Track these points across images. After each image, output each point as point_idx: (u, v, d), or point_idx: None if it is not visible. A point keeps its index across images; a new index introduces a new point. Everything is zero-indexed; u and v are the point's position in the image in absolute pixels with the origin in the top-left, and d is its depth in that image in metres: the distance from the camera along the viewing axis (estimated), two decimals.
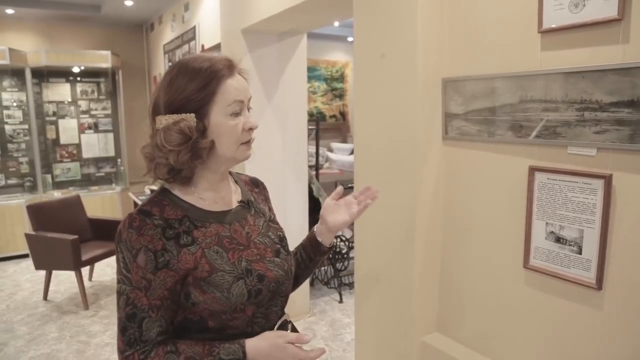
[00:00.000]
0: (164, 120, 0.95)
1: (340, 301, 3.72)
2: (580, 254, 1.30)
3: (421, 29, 1.58)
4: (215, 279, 0.95)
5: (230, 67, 0.97)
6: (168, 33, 5.38)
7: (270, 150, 3.18)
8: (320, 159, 5.68)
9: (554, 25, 1.30)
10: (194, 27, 4.28)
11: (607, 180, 1.22)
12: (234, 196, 1.11)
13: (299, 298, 3.46)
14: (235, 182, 1.16)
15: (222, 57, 0.99)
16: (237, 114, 0.98)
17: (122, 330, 0.92)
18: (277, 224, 1.20)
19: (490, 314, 1.59)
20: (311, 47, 5.87)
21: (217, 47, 3.53)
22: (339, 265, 3.96)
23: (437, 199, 1.71)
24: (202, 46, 3.88)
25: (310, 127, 4.47)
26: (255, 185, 1.23)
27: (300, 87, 3.30)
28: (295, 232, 3.39)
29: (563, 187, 1.32)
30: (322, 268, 4.15)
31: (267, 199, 1.24)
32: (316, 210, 3.74)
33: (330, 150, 6.94)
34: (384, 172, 1.79)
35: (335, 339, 3.18)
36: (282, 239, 1.14)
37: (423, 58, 1.60)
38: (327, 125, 7.36)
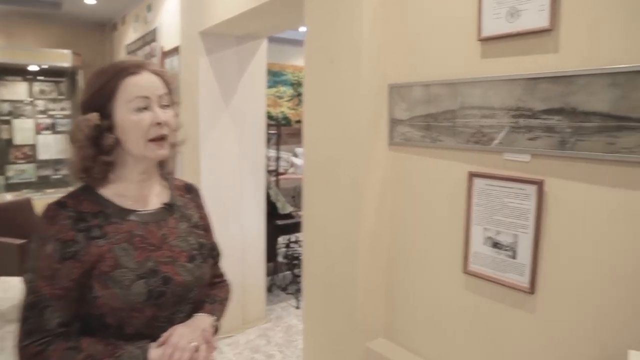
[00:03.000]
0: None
1: (298, 307, 3.69)
2: (515, 258, 1.32)
3: (367, 35, 1.59)
4: (117, 275, 0.94)
5: (137, 66, 0.99)
6: (131, 34, 5.28)
7: (227, 155, 3.14)
8: (285, 164, 5.66)
9: (492, 34, 1.32)
10: (155, 29, 4.20)
11: (540, 186, 1.24)
12: (157, 197, 1.09)
13: (254, 304, 3.42)
14: (167, 185, 1.14)
15: (137, 58, 1.02)
16: (141, 110, 0.98)
17: (23, 320, 0.91)
18: (206, 231, 1.19)
19: (433, 319, 1.60)
20: (278, 52, 5.85)
21: (176, 49, 3.48)
22: (297, 271, 3.94)
23: (383, 204, 1.72)
24: (162, 48, 3.82)
25: (272, 131, 4.45)
26: (188, 191, 1.21)
27: (259, 92, 3.28)
28: (252, 236, 3.35)
29: (500, 193, 1.34)
30: (281, 274, 4.12)
31: (199, 206, 1.21)
32: (273, 215, 3.71)
33: (295, 155, 6.92)
34: (331, 177, 1.79)
35: (289, 345, 3.15)
36: (203, 246, 1.12)
37: (369, 64, 1.60)
38: (293, 130, 7.33)
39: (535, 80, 1.22)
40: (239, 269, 3.29)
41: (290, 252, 4.13)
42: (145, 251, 0.99)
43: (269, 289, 3.99)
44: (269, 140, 4.38)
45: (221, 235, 3.11)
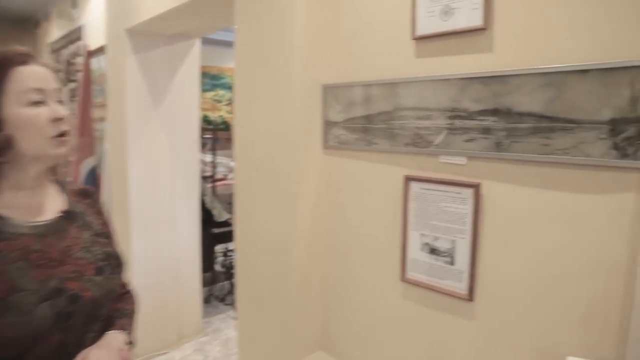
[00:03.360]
0: None
1: (236, 318, 3.54)
2: (453, 265, 1.28)
3: (299, 34, 1.51)
4: (14, 300, 0.80)
5: (24, 55, 0.88)
6: (55, 32, 4.94)
7: (157, 161, 2.96)
8: (223, 169, 5.49)
9: (426, 33, 1.28)
10: (81, 27, 3.94)
11: (477, 189, 1.20)
12: (53, 205, 0.95)
13: (190, 317, 3.25)
14: (62, 191, 1.00)
15: (18, 47, 0.89)
16: (37, 103, 0.86)
17: None
18: (109, 238, 1.06)
19: (371, 329, 1.53)
20: (217, 55, 5.66)
21: (102, 48, 3.26)
22: (235, 281, 3.79)
23: (318, 211, 1.64)
24: (87, 47, 3.57)
25: (208, 136, 4.29)
26: (86, 195, 1.07)
27: (192, 95, 3.13)
28: (186, 246, 3.18)
29: (436, 197, 1.29)
30: (219, 284, 3.96)
31: (99, 212, 1.08)
32: (210, 223, 3.56)
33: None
34: (263, 183, 1.69)
35: (227, 359, 3.01)
36: (109, 256, 0.99)
37: (301, 63, 1.52)
38: (232, 135, 7.14)
39: (470, 80, 1.18)
40: (172, 281, 3.12)
41: (227, 261, 3.98)
42: (46, 268, 0.86)
43: (207, 300, 3.81)
44: (205, 145, 4.22)
45: (152, 245, 2.98)
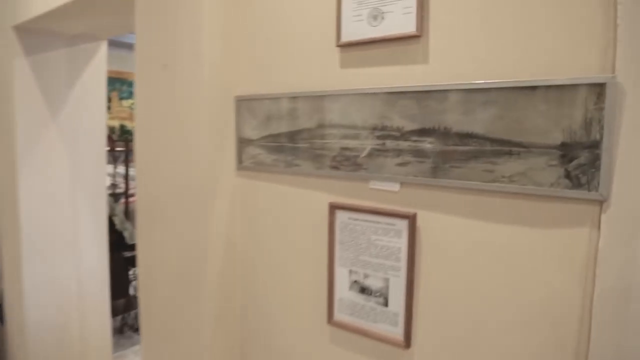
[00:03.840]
0: None
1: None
2: (387, 306, 1.11)
3: (208, 38, 1.30)
4: None
5: None
6: None
7: (55, 178, 2.60)
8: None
9: (353, 39, 1.11)
10: None
11: (412, 220, 1.04)
12: None
13: (98, 352, 2.89)
14: None
15: None
16: None
17: None
18: None
19: None
20: (131, 61, 5.25)
21: None
22: None
23: (232, 240, 1.42)
24: None
25: (120, 149, 3.93)
26: None
27: (97, 102, 2.79)
28: (92, 273, 2.83)
29: (366, 229, 1.12)
30: (133, 311, 3.60)
31: None
32: (120, 246, 3.22)
33: None
34: (170, 208, 1.45)
35: None
36: None
37: (210, 71, 1.31)
38: None
39: (403, 95, 1.02)
40: (74, 312, 2.75)
41: None
42: None
43: (120, 330, 3.45)
44: (117, 158, 3.85)
45: (50, 275, 2.60)
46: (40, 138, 2.53)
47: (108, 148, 3.56)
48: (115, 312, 3.08)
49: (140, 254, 1.59)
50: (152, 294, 1.57)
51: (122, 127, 4.86)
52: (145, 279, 1.59)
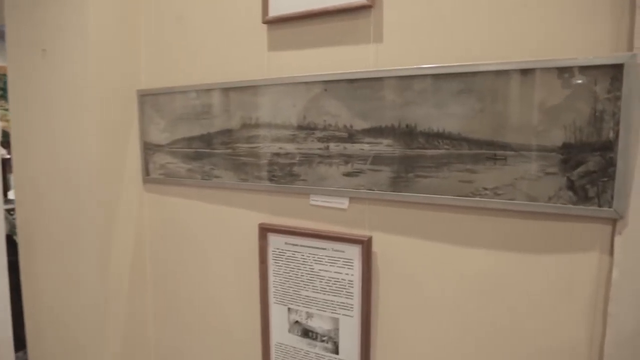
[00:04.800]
0: None
1: None
2: (337, 353, 0.87)
3: (96, 16, 1.00)
4: None
5: None
6: None
7: None
8: None
9: (284, 13, 0.86)
10: None
11: (366, 245, 0.81)
12: None
13: None
14: None
15: None
16: None
17: None
18: None
19: None
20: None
21: None
22: None
23: (141, 272, 1.13)
24: None
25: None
26: None
27: None
28: None
29: (307, 257, 0.87)
30: None
31: None
32: None
33: None
34: (59, 231, 1.13)
35: None
36: None
37: (101, 57, 1.01)
38: None
39: (350, 83, 0.78)
40: None
41: None
42: None
43: (21, 347, 3.00)
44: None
45: None
46: None
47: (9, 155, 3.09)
48: (21, 344, 2.65)
49: (26, 288, 1.26)
50: (44, 340, 1.25)
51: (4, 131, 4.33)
52: (34, 320, 1.27)
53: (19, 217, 1.24)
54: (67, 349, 1.18)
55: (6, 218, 2.53)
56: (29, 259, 1.23)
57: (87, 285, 1.09)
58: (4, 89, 4.45)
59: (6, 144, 3.55)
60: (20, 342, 2.59)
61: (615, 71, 0.60)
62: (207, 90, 0.96)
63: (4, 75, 4.38)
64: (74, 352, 1.16)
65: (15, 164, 1.22)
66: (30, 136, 1.16)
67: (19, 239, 1.25)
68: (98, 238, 1.05)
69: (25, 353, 3.08)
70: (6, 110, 4.44)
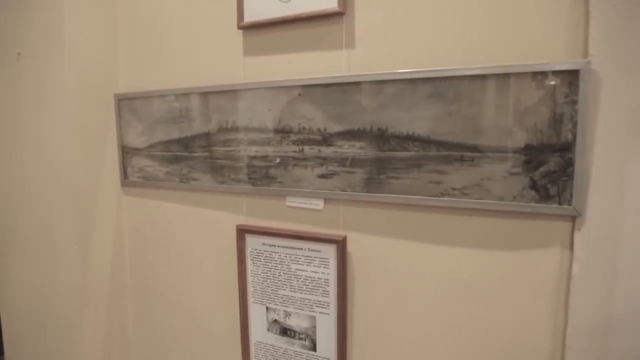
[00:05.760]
0: None
1: None
2: (315, 350, 0.89)
3: (73, 19, 1.00)
4: None
5: None
6: None
7: None
8: None
9: (258, 19, 0.87)
10: None
11: (341, 245, 0.83)
12: None
13: None
14: None
15: None
16: None
17: None
18: None
19: None
20: None
21: None
22: None
23: (120, 275, 1.14)
24: None
25: None
26: None
27: None
28: None
29: (284, 257, 0.89)
30: None
31: None
32: None
33: None
34: (36, 237, 1.13)
35: None
36: None
37: (77, 61, 1.01)
38: None
39: (324, 88, 0.81)
40: None
41: None
42: None
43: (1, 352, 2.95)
44: None
45: None
46: None
47: None
48: None
49: (1, 295, 1.25)
50: (20, 347, 1.24)
51: None
52: (11, 329, 1.26)
53: None
54: (45, 355, 1.18)
55: None
56: (4, 264, 1.23)
57: (64, 289, 1.09)
58: None
59: None
60: None
61: (572, 77, 0.63)
62: (184, 94, 0.97)
63: None
64: (52, 359, 1.16)
65: None
66: (5, 139, 1.15)
67: None
68: (76, 241, 1.05)
69: None
70: None
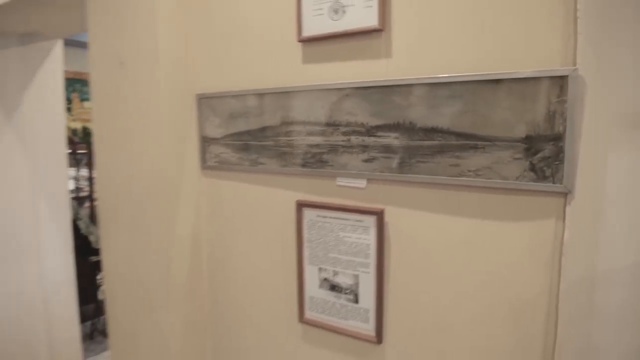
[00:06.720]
0: None
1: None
2: (357, 303, 1.10)
3: (165, 33, 1.25)
4: None
5: None
6: None
7: (13, 180, 2.50)
8: None
9: (314, 34, 1.08)
10: None
11: (379, 216, 1.03)
12: None
13: (66, 358, 2.80)
14: None
15: None
16: None
17: None
18: None
19: None
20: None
21: None
22: None
23: (198, 241, 1.39)
24: None
25: (82, 151, 3.81)
26: None
27: (55, 105, 2.68)
28: (57, 279, 2.74)
29: (334, 226, 1.10)
30: (102, 316, 3.51)
31: None
32: (86, 250, 3.12)
33: None
34: (132, 210, 1.40)
35: None
36: None
37: (169, 68, 1.26)
38: None
39: (366, 90, 1.00)
40: (40, 319, 2.66)
41: None
42: None
43: (90, 336, 3.37)
44: (79, 161, 3.74)
45: (11, 282, 2.50)
46: None
47: (70, 150, 3.45)
48: (84, 317, 2.99)
49: (105, 258, 1.54)
50: (119, 300, 1.52)
51: (85, 129, 4.71)
52: (111, 285, 1.54)
53: (100, 200, 1.51)
54: (138, 307, 1.45)
55: (72, 206, 2.86)
56: (107, 235, 1.51)
57: (154, 252, 1.36)
58: (84, 92, 4.82)
59: (78, 141, 3.91)
60: (83, 316, 2.95)
61: (562, 81, 0.80)
62: (253, 94, 1.19)
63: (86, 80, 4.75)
64: (144, 309, 1.43)
65: (97, 155, 1.49)
66: (109, 132, 1.43)
67: (100, 218, 1.53)
68: (165, 214, 1.31)
69: (94, 323, 3.46)
70: (87, 109, 4.83)
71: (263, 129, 1.19)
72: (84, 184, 3.75)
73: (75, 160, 3.66)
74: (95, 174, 1.53)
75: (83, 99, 4.98)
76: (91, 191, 3.65)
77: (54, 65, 2.67)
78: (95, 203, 3.69)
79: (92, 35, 1.44)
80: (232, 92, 1.24)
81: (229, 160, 1.28)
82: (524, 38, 0.84)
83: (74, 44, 2.95)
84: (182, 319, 1.37)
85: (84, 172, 3.77)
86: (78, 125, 4.70)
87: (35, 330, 2.65)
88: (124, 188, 1.41)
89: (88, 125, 4.69)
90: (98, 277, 3.44)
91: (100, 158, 1.48)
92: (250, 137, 1.22)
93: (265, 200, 1.24)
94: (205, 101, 1.31)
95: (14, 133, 2.50)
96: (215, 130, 1.30)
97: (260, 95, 1.18)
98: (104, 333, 3.44)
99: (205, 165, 1.35)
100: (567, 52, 0.81)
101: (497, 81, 0.86)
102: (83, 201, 3.60)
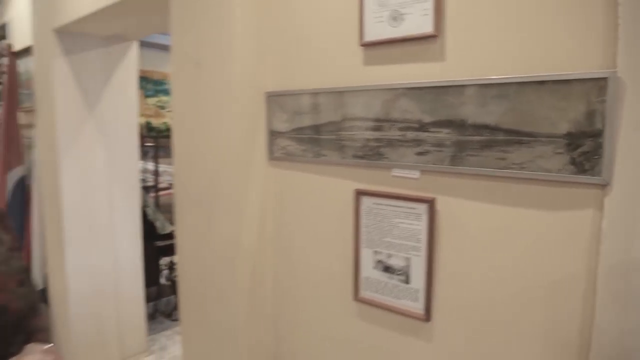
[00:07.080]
0: None
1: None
2: (409, 283, 1.21)
3: (239, 38, 1.40)
4: None
5: None
6: None
7: (92, 169, 2.76)
8: (168, 178, 5.27)
9: (375, 39, 1.20)
10: (5, 25, 3.64)
11: (431, 204, 1.14)
12: None
13: (133, 335, 3.06)
14: None
15: None
16: None
17: None
18: (20, 252, 1.12)
19: (323, 350, 1.44)
20: (159, 60, 5.44)
21: (29, 49, 3.01)
22: None
23: (264, 225, 1.54)
24: (9, 46, 3.29)
25: (149, 144, 4.08)
26: None
27: (129, 100, 2.93)
28: (127, 260, 2.99)
29: (389, 213, 1.22)
30: (164, 298, 3.77)
31: (7, 228, 1.09)
32: (152, 235, 3.37)
33: None
34: (204, 196, 1.57)
35: None
36: (26, 269, 1.06)
37: (242, 69, 1.42)
38: None
39: (421, 90, 1.12)
40: (111, 297, 2.92)
41: (173, 275, 3.79)
42: None
43: (152, 316, 3.62)
44: (147, 153, 4.01)
45: (89, 259, 2.77)
46: (78, 133, 2.69)
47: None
48: (147, 299, 3.24)
49: (179, 241, 1.72)
50: (190, 280, 1.70)
51: (148, 124, 5.02)
52: (184, 265, 1.72)
53: (177, 188, 1.69)
54: (206, 286, 1.62)
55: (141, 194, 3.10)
56: (180, 219, 1.68)
57: (226, 235, 1.52)
58: (155, 89, 5.16)
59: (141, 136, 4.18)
60: (147, 297, 3.18)
61: (602, 83, 0.88)
62: (319, 93, 1.33)
63: (154, 79, 5.08)
64: (211, 288, 1.59)
65: (175, 147, 1.67)
66: (189, 128, 1.60)
67: (175, 203, 1.71)
68: (236, 200, 1.47)
69: (156, 305, 3.72)
70: (150, 105, 5.15)
71: (326, 124, 1.32)
72: (148, 176, 4.03)
73: (142, 152, 3.93)
74: (164, 166, 1.71)
75: (147, 96, 5.30)
76: (156, 182, 3.91)
77: (130, 64, 2.92)
78: (160, 193, 3.96)
79: (174, 37, 1.62)
80: (299, 91, 1.38)
81: (293, 152, 1.42)
82: (568, 43, 0.93)
83: (141, 44, 3.19)
84: (246, 296, 1.52)
85: (149, 164, 4.04)
86: (142, 120, 5.01)
87: (106, 303, 2.91)
88: (198, 176, 1.58)
89: (151, 120, 4.99)
90: (161, 261, 3.70)
91: (178, 149, 1.66)
92: (313, 131, 1.35)
93: (326, 189, 1.37)
94: (273, 98, 1.46)
95: (94, 126, 2.76)
96: (282, 124, 1.44)
97: (324, 93, 1.31)
98: (164, 314, 3.69)
99: (272, 156, 1.49)
100: (608, 56, 0.89)
101: (541, 82, 0.95)
102: (149, 191, 3.86)
